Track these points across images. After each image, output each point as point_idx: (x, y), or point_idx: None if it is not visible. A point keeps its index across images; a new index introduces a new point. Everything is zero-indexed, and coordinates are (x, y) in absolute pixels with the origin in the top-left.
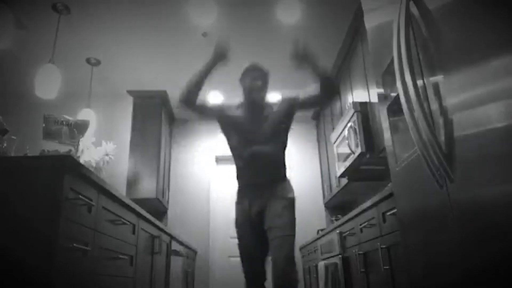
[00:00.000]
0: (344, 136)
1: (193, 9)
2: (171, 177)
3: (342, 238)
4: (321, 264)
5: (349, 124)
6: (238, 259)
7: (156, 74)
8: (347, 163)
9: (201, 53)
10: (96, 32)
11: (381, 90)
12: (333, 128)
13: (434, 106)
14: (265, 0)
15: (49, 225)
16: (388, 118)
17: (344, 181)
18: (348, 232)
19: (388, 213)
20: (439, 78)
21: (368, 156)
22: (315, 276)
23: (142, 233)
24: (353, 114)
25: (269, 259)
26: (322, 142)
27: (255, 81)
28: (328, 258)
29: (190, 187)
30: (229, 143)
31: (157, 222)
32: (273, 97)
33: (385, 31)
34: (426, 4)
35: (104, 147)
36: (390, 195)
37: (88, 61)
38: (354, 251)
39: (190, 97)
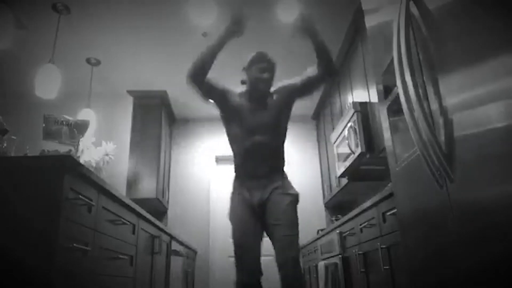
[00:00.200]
0: (344, 136)
1: (193, 9)
2: (171, 177)
3: (342, 238)
4: (321, 264)
5: (349, 124)
6: None
7: (156, 74)
8: (347, 163)
9: None
10: (96, 32)
11: (381, 90)
12: (333, 128)
13: (434, 106)
14: (265, 0)
15: (49, 225)
16: (388, 118)
17: (344, 181)
18: (348, 232)
19: (388, 213)
20: (439, 78)
21: (368, 156)
22: (315, 276)
23: (142, 233)
24: (353, 114)
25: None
26: (322, 142)
27: (262, 73)
28: (328, 258)
29: (190, 187)
30: (229, 131)
31: (157, 222)
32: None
33: (385, 31)
34: (426, 4)
35: (104, 147)
36: (390, 195)
37: (88, 61)
38: (354, 251)
39: (200, 74)
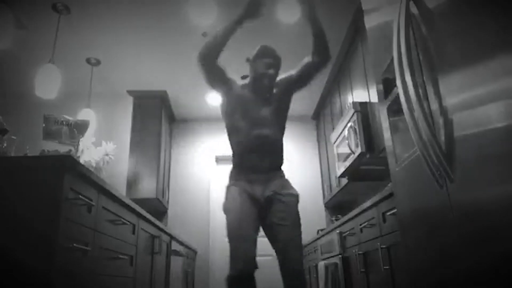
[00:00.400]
0: (344, 136)
1: (193, 9)
2: (171, 177)
3: (342, 238)
4: (321, 264)
5: (349, 124)
6: None
7: (156, 74)
8: (347, 163)
9: None
10: (96, 32)
11: (381, 90)
12: (333, 128)
13: (434, 106)
14: (265, 0)
15: (49, 225)
16: (388, 118)
17: (344, 181)
18: (348, 232)
19: (388, 213)
20: (439, 78)
21: (368, 156)
22: (315, 276)
23: (142, 233)
24: (353, 114)
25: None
26: (322, 142)
27: (268, 68)
28: (328, 258)
29: (190, 187)
30: (231, 123)
31: (157, 222)
32: None
33: (385, 31)
34: (426, 4)
35: (104, 147)
36: (390, 195)
37: (88, 61)
38: (354, 251)
39: (212, 53)
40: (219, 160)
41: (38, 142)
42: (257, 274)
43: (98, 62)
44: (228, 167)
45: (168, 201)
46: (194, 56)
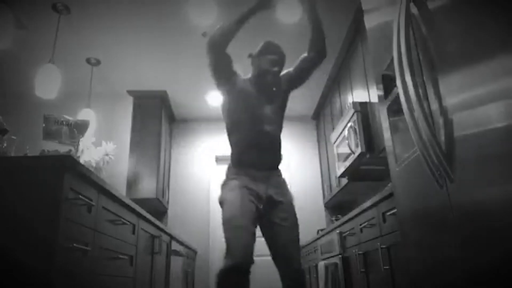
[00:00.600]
0: (344, 136)
1: (193, 9)
2: (171, 177)
3: (342, 238)
4: (321, 264)
5: (349, 124)
6: None
7: (156, 74)
8: (347, 163)
9: (201, 53)
10: (96, 32)
11: (381, 90)
12: (333, 128)
13: (434, 106)
14: None
15: (49, 225)
16: (388, 118)
17: (344, 181)
18: (348, 232)
19: (388, 213)
20: (439, 78)
21: (368, 156)
22: (315, 276)
23: (142, 233)
24: (353, 114)
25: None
26: (322, 142)
27: (273, 66)
28: (328, 258)
29: (190, 187)
30: (233, 117)
31: (157, 222)
32: None
33: (385, 31)
34: (426, 4)
35: (104, 147)
36: (390, 195)
37: (88, 61)
38: (354, 251)
39: (222, 41)
40: (219, 160)
41: (38, 142)
42: (255, 275)
43: (98, 62)
44: None
45: (168, 201)
46: (194, 56)
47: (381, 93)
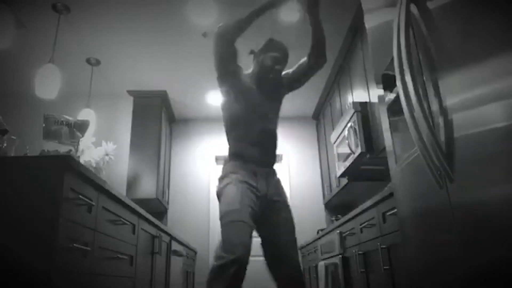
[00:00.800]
0: (344, 136)
1: (193, 9)
2: (171, 177)
3: (342, 238)
4: (321, 264)
5: (349, 124)
6: None
7: (156, 74)
8: (347, 163)
9: (201, 53)
10: (96, 32)
11: (381, 90)
12: (333, 128)
13: (434, 106)
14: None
15: (49, 225)
16: (388, 118)
17: (344, 181)
18: (348, 232)
19: (388, 213)
20: (439, 78)
21: (368, 156)
22: (315, 276)
23: (142, 233)
24: (353, 114)
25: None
26: (322, 142)
27: (276, 64)
28: (328, 258)
29: (190, 187)
30: (234, 113)
31: (157, 222)
32: None
33: (385, 31)
34: (426, 4)
35: (104, 147)
36: (390, 195)
37: (88, 61)
38: (354, 251)
39: (234, 33)
40: (219, 160)
41: (38, 142)
42: (251, 275)
43: (98, 62)
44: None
45: (168, 201)
46: (194, 56)
47: (381, 93)
